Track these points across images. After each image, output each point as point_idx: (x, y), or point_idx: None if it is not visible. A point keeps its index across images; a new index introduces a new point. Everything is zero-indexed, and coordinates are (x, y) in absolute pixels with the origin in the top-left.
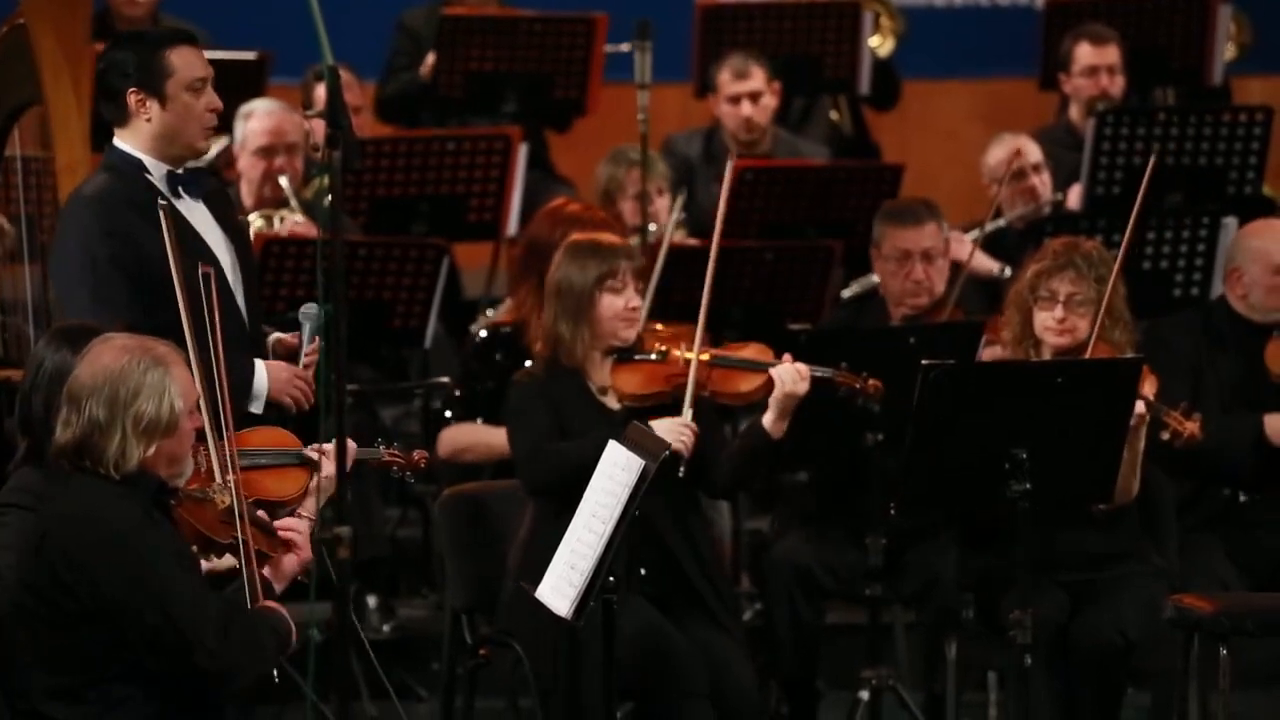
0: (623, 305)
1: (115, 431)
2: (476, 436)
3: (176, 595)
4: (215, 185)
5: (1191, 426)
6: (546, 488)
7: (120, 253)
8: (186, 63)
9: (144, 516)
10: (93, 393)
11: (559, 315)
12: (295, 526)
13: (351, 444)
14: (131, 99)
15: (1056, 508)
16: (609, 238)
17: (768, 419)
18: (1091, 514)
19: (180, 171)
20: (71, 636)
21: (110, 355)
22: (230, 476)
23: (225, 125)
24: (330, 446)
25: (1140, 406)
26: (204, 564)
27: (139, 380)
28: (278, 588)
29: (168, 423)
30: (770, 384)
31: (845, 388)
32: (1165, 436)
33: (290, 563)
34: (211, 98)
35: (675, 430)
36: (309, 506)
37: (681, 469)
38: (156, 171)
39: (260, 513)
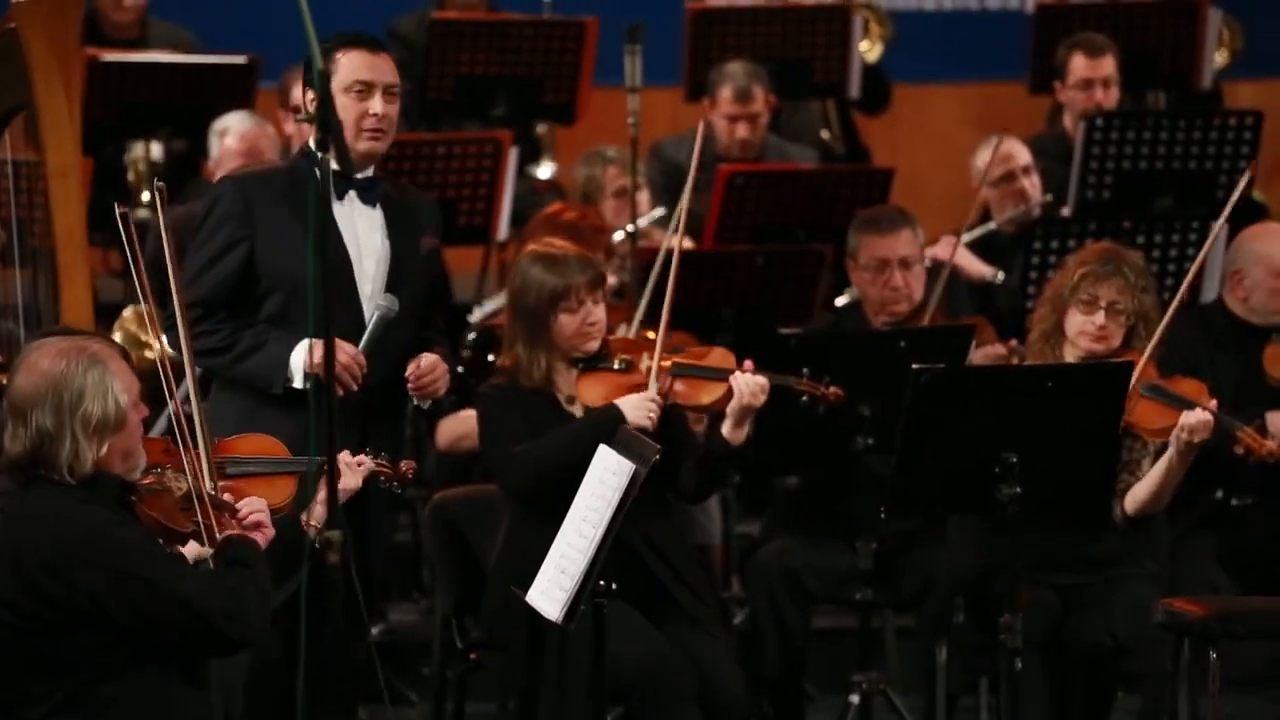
0: (580, 322)
1: (65, 437)
2: (472, 425)
3: (168, 574)
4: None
5: (1270, 445)
6: (525, 490)
7: (234, 234)
8: (351, 66)
9: (110, 512)
10: (36, 402)
11: (516, 335)
12: (257, 506)
13: (351, 458)
14: (305, 97)
15: (1060, 514)
16: (569, 249)
17: (726, 427)
18: (1087, 517)
19: (355, 176)
20: (54, 645)
21: (47, 360)
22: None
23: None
24: (358, 459)
25: (1207, 418)
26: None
27: (80, 382)
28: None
29: (116, 419)
30: (729, 394)
31: (806, 394)
32: (1240, 451)
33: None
34: (374, 103)
35: (642, 407)
36: (317, 515)
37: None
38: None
39: (226, 496)
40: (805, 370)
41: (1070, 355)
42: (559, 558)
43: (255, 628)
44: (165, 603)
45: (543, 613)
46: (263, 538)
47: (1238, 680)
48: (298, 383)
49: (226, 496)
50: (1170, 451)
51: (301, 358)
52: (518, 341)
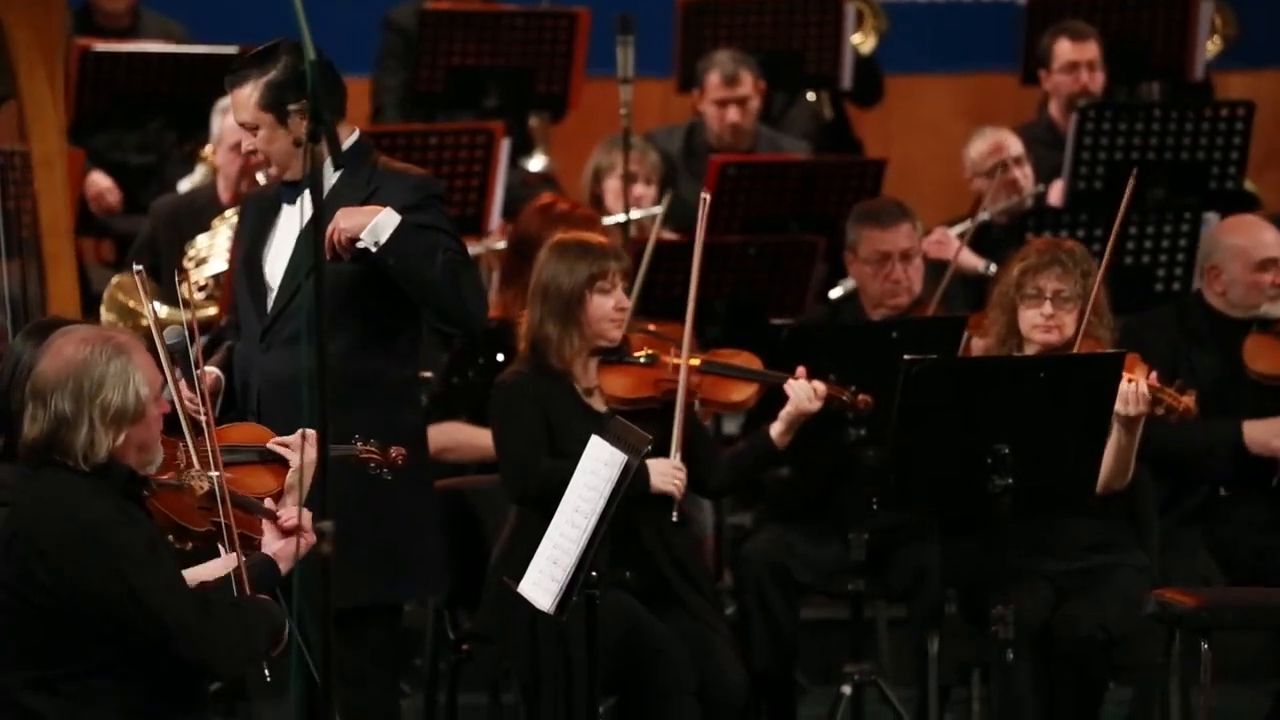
0: (612, 306)
1: (83, 423)
2: (459, 437)
3: (150, 583)
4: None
5: (1187, 401)
6: (528, 501)
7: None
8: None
9: (115, 508)
10: (57, 386)
11: (546, 316)
12: (294, 514)
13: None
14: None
15: (1051, 503)
16: (596, 238)
17: (776, 430)
18: (1076, 505)
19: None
20: (47, 631)
21: (71, 347)
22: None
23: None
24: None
25: (1145, 391)
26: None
27: (102, 370)
28: (283, 568)
29: (135, 410)
30: (759, 394)
31: (835, 400)
32: (1160, 412)
33: (288, 547)
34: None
35: (667, 475)
36: (292, 500)
37: (675, 513)
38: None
39: (267, 503)
40: (831, 376)
41: (1029, 352)
42: (551, 548)
43: (223, 658)
44: (139, 612)
45: (534, 603)
46: (304, 544)
47: (1229, 671)
48: None
49: (268, 503)
50: (1115, 427)
51: None
52: (547, 323)
